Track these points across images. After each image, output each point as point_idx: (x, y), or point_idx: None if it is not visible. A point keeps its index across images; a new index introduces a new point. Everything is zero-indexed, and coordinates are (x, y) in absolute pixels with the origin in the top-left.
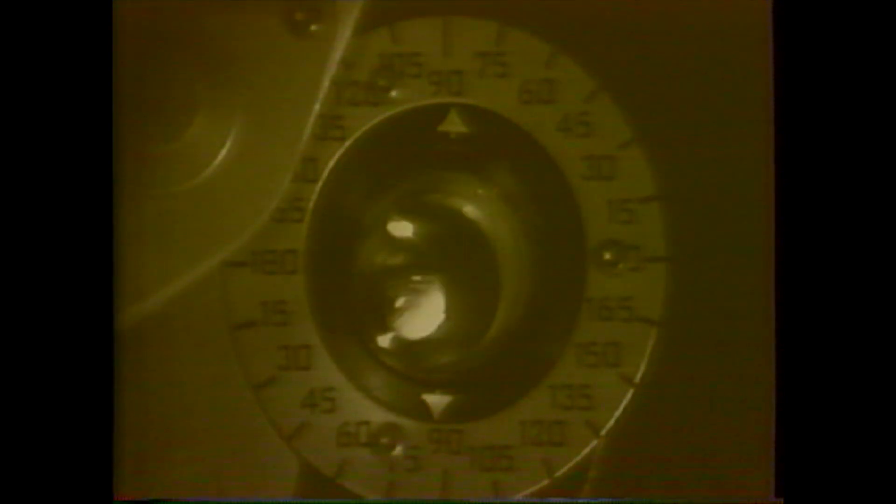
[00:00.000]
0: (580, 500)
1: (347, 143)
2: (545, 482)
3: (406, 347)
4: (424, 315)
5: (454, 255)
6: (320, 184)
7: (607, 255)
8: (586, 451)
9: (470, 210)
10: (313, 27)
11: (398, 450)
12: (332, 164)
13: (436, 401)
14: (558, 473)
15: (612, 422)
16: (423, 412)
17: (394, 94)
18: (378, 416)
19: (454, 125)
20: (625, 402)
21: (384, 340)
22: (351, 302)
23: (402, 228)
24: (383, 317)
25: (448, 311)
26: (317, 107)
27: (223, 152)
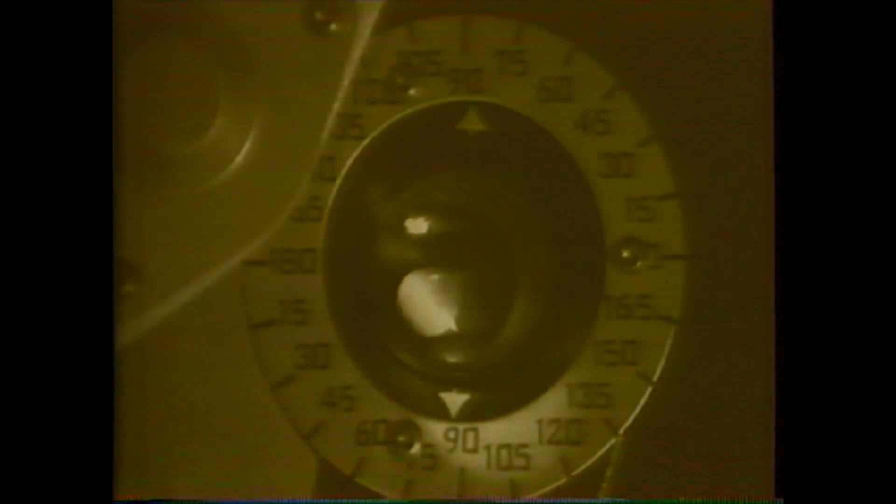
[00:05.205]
0: (598, 501)
1: (366, 142)
2: (563, 481)
3: (423, 345)
4: (442, 313)
5: (472, 253)
6: (338, 183)
7: (626, 253)
8: (604, 449)
9: (488, 208)
10: (333, 26)
11: (416, 448)
12: (350, 162)
13: (453, 399)
14: (576, 472)
15: (630, 420)
16: (441, 410)
17: (412, 92)
18: (396, 414)
19: (473, 123)
20: (643, 401)
21: (402, 339)
22: (369, 301)
23: (420, 227)
24: (401, 315)
25: (465, 309)
26: (336, 106)
27: (242, 152)
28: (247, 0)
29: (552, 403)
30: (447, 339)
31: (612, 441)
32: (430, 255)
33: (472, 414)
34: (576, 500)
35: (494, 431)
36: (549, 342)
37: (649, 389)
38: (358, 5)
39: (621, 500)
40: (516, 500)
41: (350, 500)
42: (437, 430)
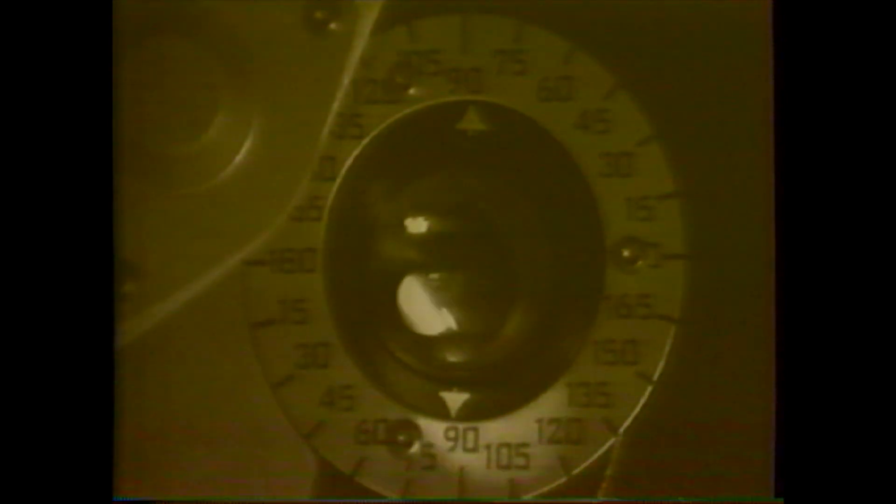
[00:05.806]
0: (597, 501)
1: (365, 142)
2: (562, 480)
3: (423, 345)
4: (442, 313)
5: (472, 253)
6: (338, 182)
7: (626, 253)
8: (604, 448)
9: (488, 208)
10: (332, 26)
11: (415, 447)
12: (349, 162)
13: (453, 398)
14: (575, 471)
15: (629, 420)
16: (441, 410)
17: (412, 91)
18: (396, 413)
19: (472, 123)
20: (643, 400)
21: (402, 338)
22: (369, 300)
23: (419, 226)
24: (401, 314)
25: (465, 308)
26: (335, 105)
27: (242, 152)
28: (247, 0)
29: (552, 403)
30: (447, 339)
31: (612, 440)
32: (429, 254)
33: (472, 413)
34: (575, 500)
35: (494, 431)
36: (549, 342)
37: (649, 389)
38: (358, 5)
39: (621, 499)
40: (516, 500)
41: (350, 500)
42: (436, 429)
